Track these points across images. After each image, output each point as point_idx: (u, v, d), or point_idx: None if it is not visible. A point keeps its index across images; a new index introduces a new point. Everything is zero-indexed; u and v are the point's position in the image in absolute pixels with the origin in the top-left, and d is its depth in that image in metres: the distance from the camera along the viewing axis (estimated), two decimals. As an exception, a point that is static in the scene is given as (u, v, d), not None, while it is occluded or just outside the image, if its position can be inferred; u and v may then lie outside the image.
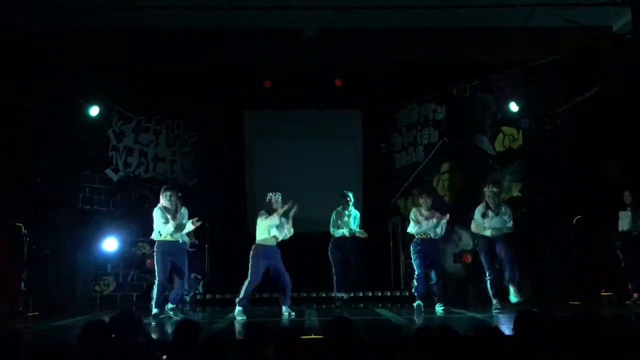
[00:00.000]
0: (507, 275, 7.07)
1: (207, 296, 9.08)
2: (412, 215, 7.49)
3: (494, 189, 7.27)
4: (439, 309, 7.16)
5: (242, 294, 6.79)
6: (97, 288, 8.63)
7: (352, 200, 8.09)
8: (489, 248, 7.17)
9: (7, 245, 7.59)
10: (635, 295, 7.47)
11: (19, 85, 7.44)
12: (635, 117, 7.35)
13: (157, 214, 6.63)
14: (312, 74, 9.32)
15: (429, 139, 9.99)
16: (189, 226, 6.67)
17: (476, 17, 7.87)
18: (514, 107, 8.47)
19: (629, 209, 7.64)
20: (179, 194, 6.86)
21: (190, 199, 8.89)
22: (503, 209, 7.20)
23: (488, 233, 7.15)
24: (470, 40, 8.33)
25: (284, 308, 6.95)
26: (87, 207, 8.54)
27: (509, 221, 7.14)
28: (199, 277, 9.41)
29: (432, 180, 9.77)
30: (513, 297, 6.96)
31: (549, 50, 8.07)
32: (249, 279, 6.85)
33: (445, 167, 9.66)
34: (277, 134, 10.39)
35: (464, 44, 8.37)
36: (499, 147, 9.14)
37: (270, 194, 7.08)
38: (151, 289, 6.88)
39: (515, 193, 8.85)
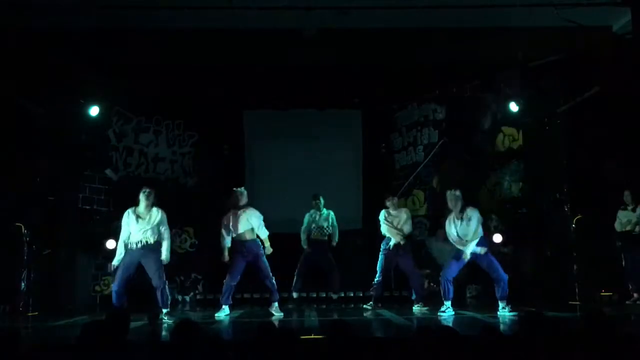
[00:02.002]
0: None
1: (207, 296, 9.09)
2: (380, 218, 7.74)
3: (456, 193, 6.87)
4: (416, 309, 7.24)
5: (223, 292, 6.96)
6: (97, 288, 8.63)
7: (322, 202, 8.42)
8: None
9: (7, 245, 7.59)
10: (635, 295, 7.47)
11: (19, 85, 7.44)
12: (635, 117, 7.35)
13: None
14: (312, 74, 9.32)
15: (429, 139, 10.00)
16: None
17: (476, 17, 7.86)
18: (514, 107, 8.47)
19: (629, 208, 7.64)
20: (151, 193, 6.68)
21: (190, 199, 8.92)
22: (468, 212, 6.80)
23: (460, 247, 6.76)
24: (470, 40, 8.32)
25: (272, 306, 6.98)
26: (87, 207, 8.54)
27: (474, 226, 6.68)
28: (199, 277, 9.44)
29: (432, 180, 9.77)
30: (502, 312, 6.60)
31: (549, 50, 8.07)
32: (227, 275, 6.98)
33: (445, 167, 9.65)
34: (277, 134, 10.39)
35: (464, 44, 8.35)
36: (499, 147, 9.14)
37: (235, 188, 7.14)
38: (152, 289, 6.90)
39: (516, 193, 8.85)
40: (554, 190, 8.20)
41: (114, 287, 6.53)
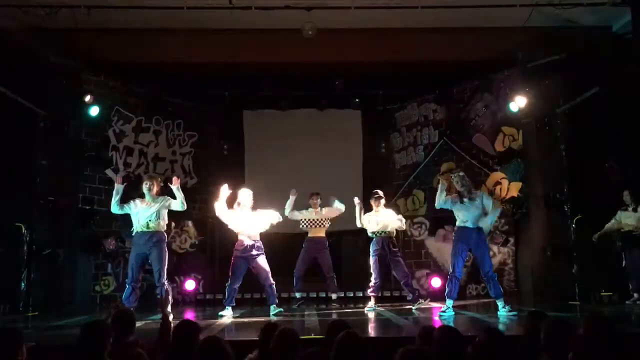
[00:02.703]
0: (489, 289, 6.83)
1: (207, 296, 9.09)
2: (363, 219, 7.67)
3: (461, 173, 6.91)
4: (415, 309, 7.26)
5: (226, 296, 6.98)
6: (97, 288, 8.63)
7: (319, 202, 8.27)
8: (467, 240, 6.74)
9: (7, 245, 7.58)
10: (635, 295, 7.46)
11: (19, 85, 7.44)
12: (635, 117, 7.35)
13: None
14: (312, 74, 9.32)
15: (429, 139, 10.00)
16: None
17: (476, 17, 7.87)
18: (514, 107, 8.47)
19: (629, 208, 7.63)
20: (160, 182, 6.86)
21: (190, 199, 8.89)
22: (479, 192, 6.84)
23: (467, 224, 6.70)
24: (471, 40, 8.33)
25: (270, 309, 6.99)
26: (87, 207, 8.53)
27: (491, 202, 6.69)
28: (199, 277, 9.44)
29: (432, 180, 9.78)
30: (502, 311, 6.52)
31: (549, 50, 8.08)
32: (230, 279, 6.98)
33: (445, 167, 9.66)
34: (277, 134, 10.39)
35: (464, 44, 8.36)
36: (499, 147, 9.14)
37: (245, 188, 7.18)
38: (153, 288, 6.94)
39: (515, 193, 8.85)
40: (554, 190, 8.20)
41: (127, 282, 6.63)
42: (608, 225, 7.65)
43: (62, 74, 7.93)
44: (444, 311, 6.69)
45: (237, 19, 7.68)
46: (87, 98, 8.20)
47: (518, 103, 8.31)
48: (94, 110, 8.34)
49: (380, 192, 7.82)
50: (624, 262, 7.67)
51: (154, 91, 9.40)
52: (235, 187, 7.47)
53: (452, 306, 6.75)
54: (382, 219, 7.62)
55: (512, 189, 8.90)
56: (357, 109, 10.55)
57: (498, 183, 9.07)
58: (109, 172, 8.93)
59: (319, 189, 8.50)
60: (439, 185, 6.87)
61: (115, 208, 6.75)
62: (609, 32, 8.23)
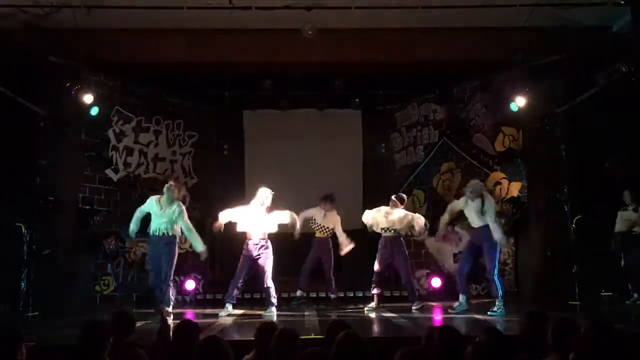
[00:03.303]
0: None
1: (207, 296, 9.09)
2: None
3: (482, 184, 7.24)
4: (415, 309, 7.29)
5: (228, 291, 7.07)
6: (97, 288, 8.63)
7: (329, 204, 8.29)
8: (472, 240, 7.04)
9: (7, 245, 7.58)
10: (635, 295, 7.46)
11: (19, 85, 7.43)
12: (635, 117, 7.35)
13: None
14: (312, 74, 9.32)
15: (429, 139, 10.00)
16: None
17: (476, 17, 7.87)
18: (514, 107, 8.46)
19: (629, 208, 7.63)
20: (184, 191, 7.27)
21: (190, 199, 8.91)
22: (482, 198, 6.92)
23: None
24: (471, 40, 8.33)
25: (268, 310, 7.03)
26: (87, 207, 8.53)
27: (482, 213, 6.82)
28: (199, 277, 9.44)
29: (432, 180, 9.78)
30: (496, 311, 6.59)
31: (549, 50, 8.07)
32: (235, 275, 7.06)
33: (445, 167, 9.66)
34: (277, 134, 10.38)
35: (464, 44, 8.36)
36: (499, 147, 9.14)
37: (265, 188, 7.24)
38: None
39: (515, 193, 8.85)
40: (554, 190, 8.20)
41: (162, 281, 6.91)
42: (617, 229, 7.66)
43: (62, 74, 7.92)
44: (453, 307, 6.78)
45: (237, 19, 7.67)
46: (87, 98, 8.20)
47: (518, 103, 8.30)
48: (94, 110, 8.33)
49: (403, 195, 7.80)
50: (623, 262, 7.67)
51: (154, 91, 9.39)
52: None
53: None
54: (393, 217, 7.55)
55: (512, 189, 8.90)
56: (357, 109, 10.54)
57: (498, 183, 9.07)
58: (109, 172, 8.93)
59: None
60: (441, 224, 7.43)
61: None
62: (609, 32, 8.23)
